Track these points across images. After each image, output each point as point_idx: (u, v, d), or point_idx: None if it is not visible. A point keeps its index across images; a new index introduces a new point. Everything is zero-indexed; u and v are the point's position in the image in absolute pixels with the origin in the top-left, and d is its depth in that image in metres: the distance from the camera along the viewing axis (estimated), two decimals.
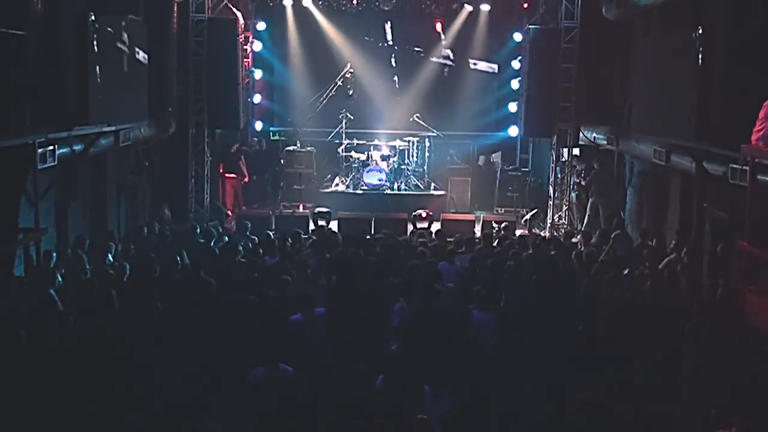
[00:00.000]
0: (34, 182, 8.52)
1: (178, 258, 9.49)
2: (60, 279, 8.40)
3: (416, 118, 16.67)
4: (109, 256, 9.86)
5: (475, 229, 14.25)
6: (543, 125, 15.82)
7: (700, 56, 9.64)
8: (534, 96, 15.65)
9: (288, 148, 16.63)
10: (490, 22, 17.22)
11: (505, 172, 17.23)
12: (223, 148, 16.79)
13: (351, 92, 16.69)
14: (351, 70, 16.69)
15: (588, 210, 14.88)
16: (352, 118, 16.60)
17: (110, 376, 6.14)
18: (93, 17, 10.04)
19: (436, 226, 13.80)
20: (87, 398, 5.84)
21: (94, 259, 9.57)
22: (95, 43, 10.08)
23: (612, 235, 11.46)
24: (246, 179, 16.57)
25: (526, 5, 16.37)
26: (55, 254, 9.39)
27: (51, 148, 8.91)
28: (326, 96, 16.55)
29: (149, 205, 14.56)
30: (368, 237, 11.90)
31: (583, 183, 15.04)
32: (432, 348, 6.90)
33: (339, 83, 16.56)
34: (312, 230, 12.76)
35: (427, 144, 16.96)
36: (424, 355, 6.70)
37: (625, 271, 9.52)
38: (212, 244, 10.84)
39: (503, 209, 16.80)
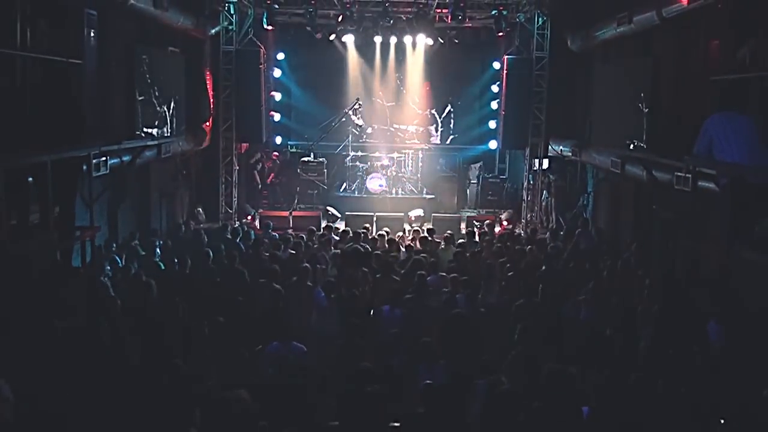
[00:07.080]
0: (89, 187, 8.52)
1: (212, 252, 9.46)
2: (110, 269, 8.41)
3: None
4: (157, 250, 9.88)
5: (461, 227, 14.25)
6: (518, 139, 15.92)
7: (650, 80, 9.67)
8: (510, 115, 15.73)
9: (303, 159, 16.63)
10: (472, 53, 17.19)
11: (486, 179, 17.26)
12: (246, 159, 16.80)
13: (361, 124, 16.63)
14: (360, 103, 16.55)
15: (555, 211, 14.90)
16: (356, 132, 16.64)
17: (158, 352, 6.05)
18: (138, 49, 10.05)
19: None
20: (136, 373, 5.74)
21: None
22: (140, 70, 10.11)
23: (576, 232, 11.46)
24: (260, 185, 16.61)
25: (500, 34, 16.27)
26: (108, 247, 9.41)
27: (104, 158, 8.87)
28: (338, 122, 16.48)
29: (186, 207, 14.56)
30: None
31: (552, 188, 15.05)
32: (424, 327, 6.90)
33: (350, 113, 16.47)
34: (323, 227, 12.74)
35: (420, 155, 16.95)
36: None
37: (588, 263, 9.53)
38: (239, 240, 10.82)
39: (484, 210, 16.81)
